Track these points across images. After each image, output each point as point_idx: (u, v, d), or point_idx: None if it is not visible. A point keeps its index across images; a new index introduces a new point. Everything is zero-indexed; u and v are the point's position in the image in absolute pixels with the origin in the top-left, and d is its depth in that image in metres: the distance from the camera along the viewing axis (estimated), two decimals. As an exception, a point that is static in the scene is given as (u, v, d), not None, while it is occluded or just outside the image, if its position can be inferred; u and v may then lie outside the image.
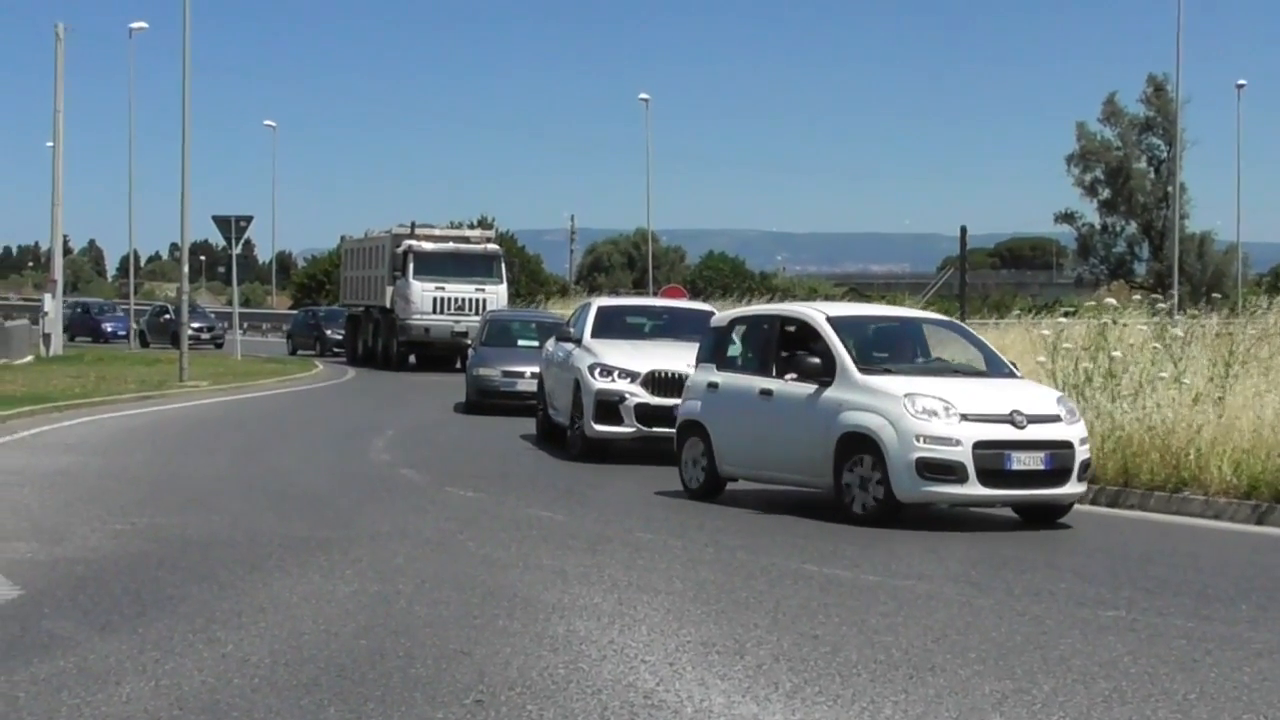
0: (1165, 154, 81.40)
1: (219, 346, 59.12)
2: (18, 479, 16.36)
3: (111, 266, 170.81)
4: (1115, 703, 7.00)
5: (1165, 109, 78.20)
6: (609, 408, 19.14)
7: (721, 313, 18.41)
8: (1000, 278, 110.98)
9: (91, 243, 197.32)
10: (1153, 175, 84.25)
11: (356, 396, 34.76)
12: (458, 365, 40.75)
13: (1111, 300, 20.72)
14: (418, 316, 44.73)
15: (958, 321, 18.71)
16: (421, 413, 28.53)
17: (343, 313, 55.48)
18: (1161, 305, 23.02)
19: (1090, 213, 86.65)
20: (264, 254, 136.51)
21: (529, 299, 70.75)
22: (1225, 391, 16.68)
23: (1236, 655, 8.12)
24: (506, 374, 28.46)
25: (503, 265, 46.93)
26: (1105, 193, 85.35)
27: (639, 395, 19.08)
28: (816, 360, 14.35)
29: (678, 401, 18.18)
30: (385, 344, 46.87)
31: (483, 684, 7.23)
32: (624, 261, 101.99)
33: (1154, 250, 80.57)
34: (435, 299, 44.25)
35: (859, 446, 13.63)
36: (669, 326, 21.97)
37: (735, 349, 16.43)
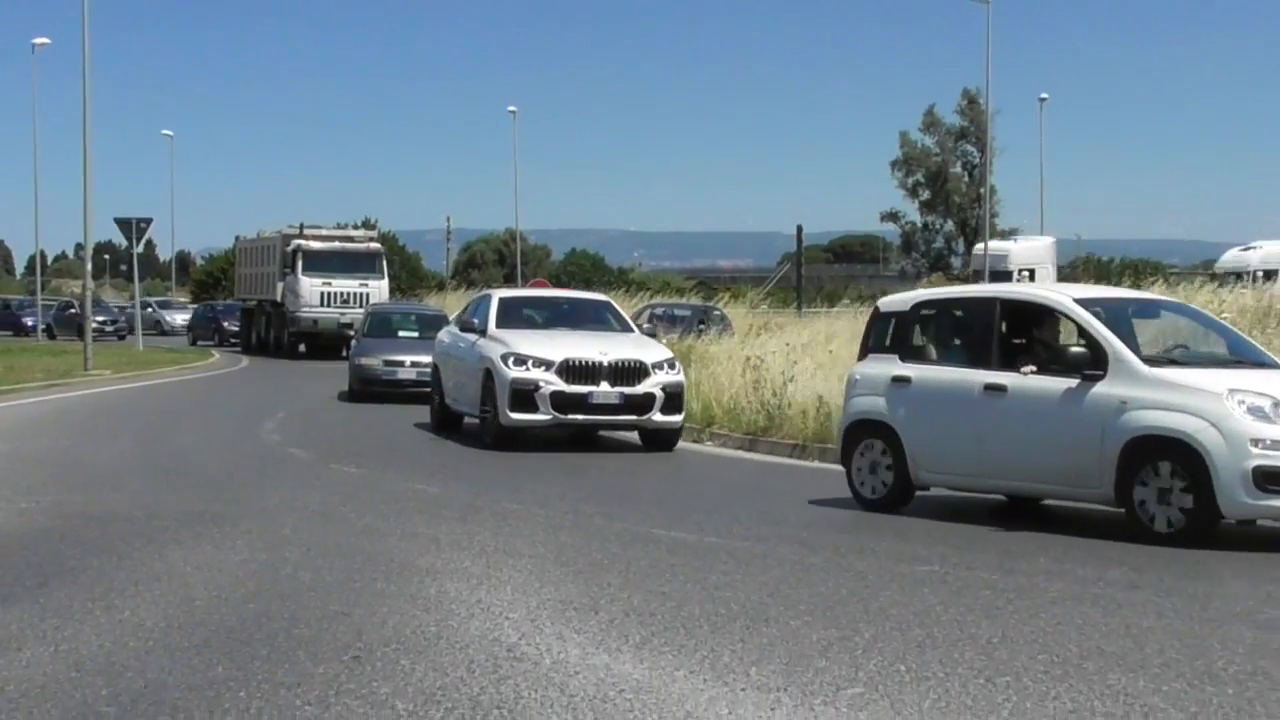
0: (978, 160, 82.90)
1: (121, 339, 57.98)
2: (-71, 462, 15.92)
3: (19, 265, 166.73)
4: (927, 647, 7.10)
5: (978, 119, 79.56)
6: (524, 396, 17.80)
7: (893, 296, 14.65)
8: (833, 271, 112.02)
9: (0, 243, 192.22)
10: (967, 179, 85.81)
11: (250, 383, 34.26)
12: (343, 354, 40.40)
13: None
14: (306, 309, 44.69)
15: (1190, 305, 15.00)
16: (310, 398, 28.18)
17: (238, 306, 54.94)
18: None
19: (912, 212, 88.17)
20: (164, 253, 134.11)
21: (409, 293, 70.27)
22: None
23: (1034, 603, 8.27)
24: (387, 363, 27.54)
25: (384, 262, 47.00)
26: (925, 194, 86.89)
27: (554, 383, 17.79)
28: (1082, 350, 11.32)
29: (592, 389, 17.68)
30: (277, 335, 46.75)
31: (360, 641, 7.17)
32: (495, 258, 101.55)
33: (968, 245, 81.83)
34: (322, 293, 44.38)
35: (1158, 452, 10.70)
36: (568, 316, 20.77)
37: (921, 338, 13.05)
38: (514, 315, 20.09)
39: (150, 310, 67.10)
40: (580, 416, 17.93)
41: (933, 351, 12.77)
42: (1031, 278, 51.65)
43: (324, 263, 45.01)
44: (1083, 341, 11.47)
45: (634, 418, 18.10)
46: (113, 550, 9.99)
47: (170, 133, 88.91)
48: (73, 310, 58.35)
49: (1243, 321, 19.42)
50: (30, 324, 65.38)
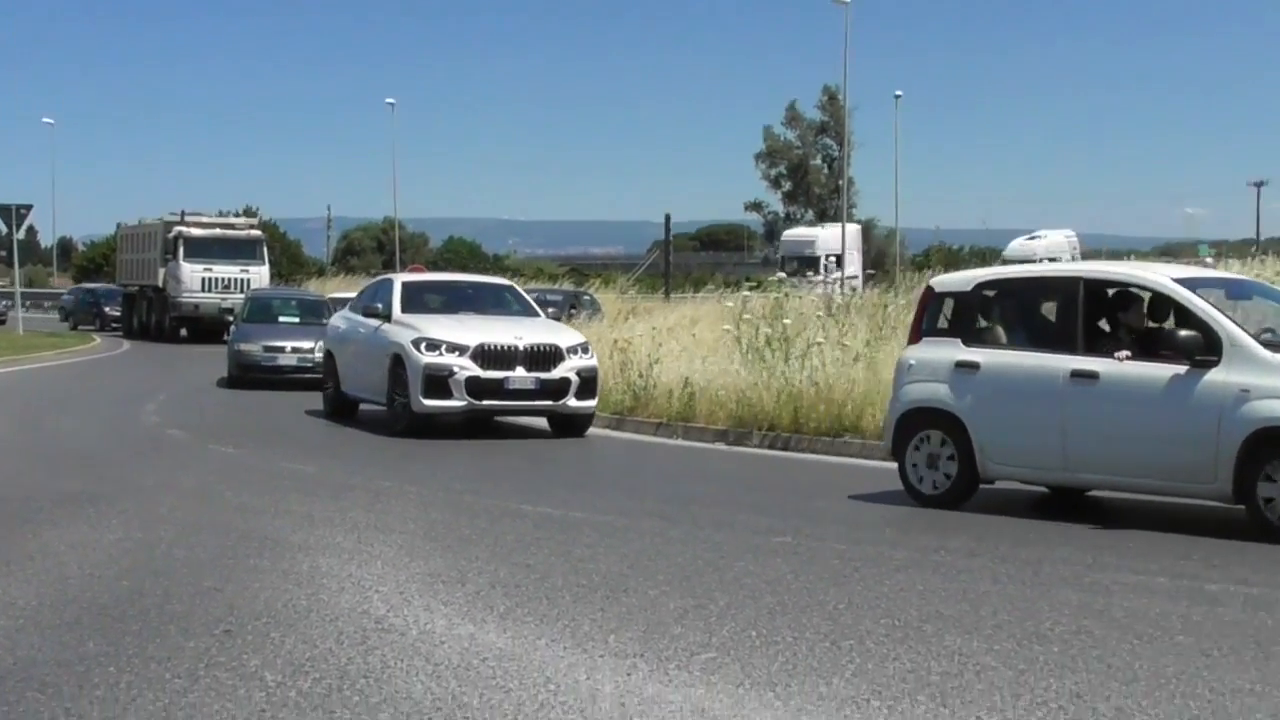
0: (837, 153, 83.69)
1: (2, 323, 56.52)
2: None
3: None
4: (778, 613, 7.19)
5: (837, 115, 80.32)
6: (438, 382, 16.68)
7: (948, 275, 13.21)
8: (700, 259, 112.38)
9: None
10: (826, 171, 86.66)
11: (131, 367, 33.60)
12: (224, 338, 39.80)
13: (782, 275, 21.25)
14: (188, 295, 44.19)
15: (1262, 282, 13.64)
16: (191, 381, 27.70)
17: (120, 291, 53.94)
18: (830, 280, 23.67)
19: (775, 203, 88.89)
20: (46, 239, 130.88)
21: (289, 279, 69.39)
22: (878, 352, 17.24)
23: (879, 571, 8.40)
24: (268, 349, 26.08)
25: (265, 249, 46.59)
26: (787, 186, 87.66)
27: (469, 369, 16.68)
28: (1193, 334, 10.02)
29: (508, 374, 16.72)
30: (159, 319, 46.10)
31: (232, 616, 7.08)
32: (374, 246, 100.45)
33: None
34: (204, 279, 43.91)
35: None
36: (472, 300, 19.36)
37: (986, 320, 11.61)
38: (418, 300, 18.84)
39: None
40: (496, 402, 16.97)
41: (1001, 334, 11.39)
42: (838, 264, 52.51)
43: (205, 249, 44.50)
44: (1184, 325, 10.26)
45: (549, 403, 17.14)
46: (-13, 530, 9.75)
47: (51, 120, 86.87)
48: (-48, 296, 56.85)
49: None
50: None
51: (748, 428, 16.57)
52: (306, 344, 25.83)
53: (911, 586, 7.91)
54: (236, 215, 60.88)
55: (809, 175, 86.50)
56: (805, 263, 54.84)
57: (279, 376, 25.48)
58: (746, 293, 22.37)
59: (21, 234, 44.63)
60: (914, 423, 11.49)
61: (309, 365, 25.16)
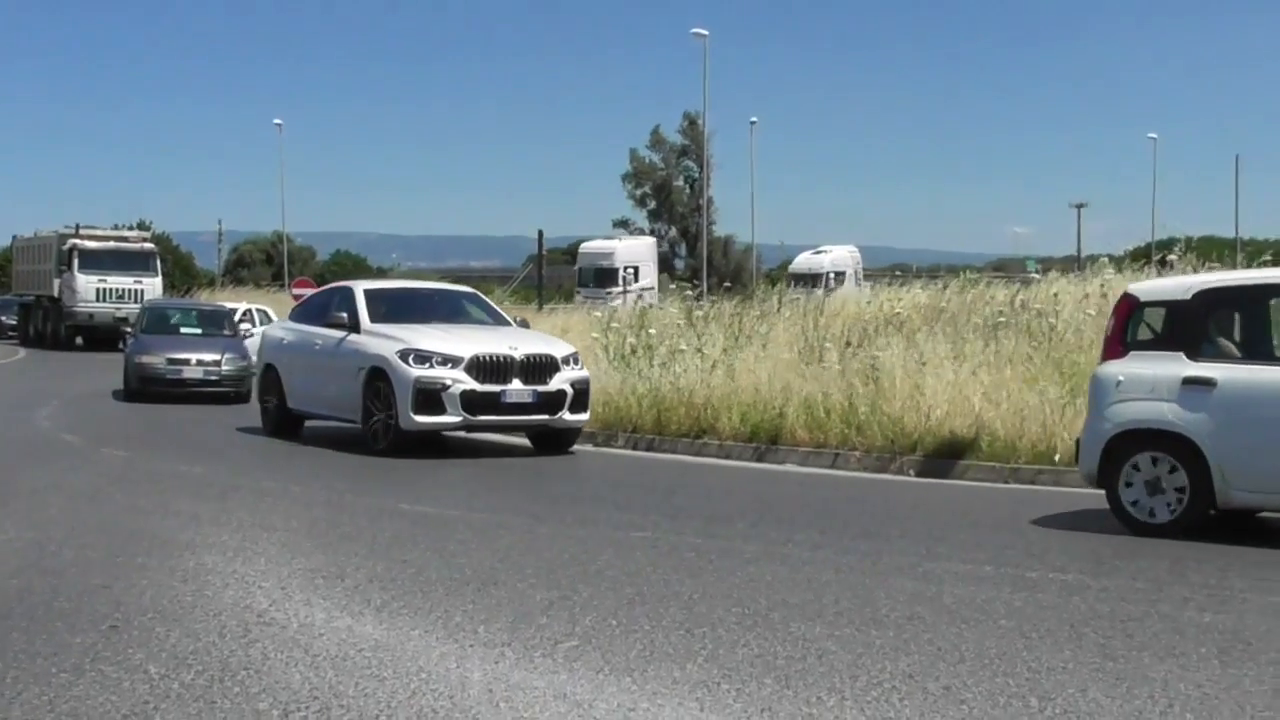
0: (697, 174, 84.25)
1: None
2: None
3: None
4: (637, 603, 7.20)
5: (697, 139, 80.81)
6: (430, 397, 14.66)
7: (1153, 283, 11.48)
8: (571, 271, 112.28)
9: None
10: (688, 191, 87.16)
11: (26, 373, 32.69)
12: (120, 347, 38.90)
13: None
14: (83, 305, 43.37)
15: None
16: (85, 387, 27.00)
17: (15, 301, 52.56)
18: (690, 293, 23.84)
19: (641, 220, 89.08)
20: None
21: (180, 290, 68.07)
22: (734, 359, 17.37)
23: (732, 563, 8.45)
24: (171, 361, 23.54)
25: (158, 261, 46.00)
26: (652, 204, 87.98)
27: (464, 382, 14.71)
28: None
29: (505, 387, 14.87)
30: (54, 328, 45.06)
31: (119, 612, 6.91)
32: (264, 258, 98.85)
33: (690, 249, 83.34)
34: (98, 289, 43.15)
35: None
36: (439, 309, 17.20)
37: (1216, 332, 9.92)
38: (380, 309, 16.47)
39: None
40: (492, 417, 15.07)
41: (1232, 347, 9.82)
42: (635, 276, 52.10)
43: (99, 261, 43.72)
44: None
45: (545, 417, 15.27)
46: (-121, 532, 9.41)
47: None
48: None
49: (917, 318, 20.21)
50: None
51: (614, 430, 16.60)
52: (211, 356, 23.87)
53: (761, 577, 7.97)
54: (130, 229, 59.64)
55: (672, 195, 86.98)
56: (603, 275, 53.18)
57: (183, 390, 23.36)
58: (616, 303, 22.42)
59: (-83, 245, 43.27)
60: (1128, 446, 9.81)
61: (215, 378, 23.53)
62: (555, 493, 12.17)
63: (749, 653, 6.18)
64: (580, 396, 15.45)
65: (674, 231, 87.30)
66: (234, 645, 6.26)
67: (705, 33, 53.63)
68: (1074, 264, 48.54)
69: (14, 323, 51.78)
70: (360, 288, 17.13)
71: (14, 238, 57.30)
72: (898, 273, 51.13)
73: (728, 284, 37.35)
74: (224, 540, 9.12)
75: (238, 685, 5.60)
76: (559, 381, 15.24)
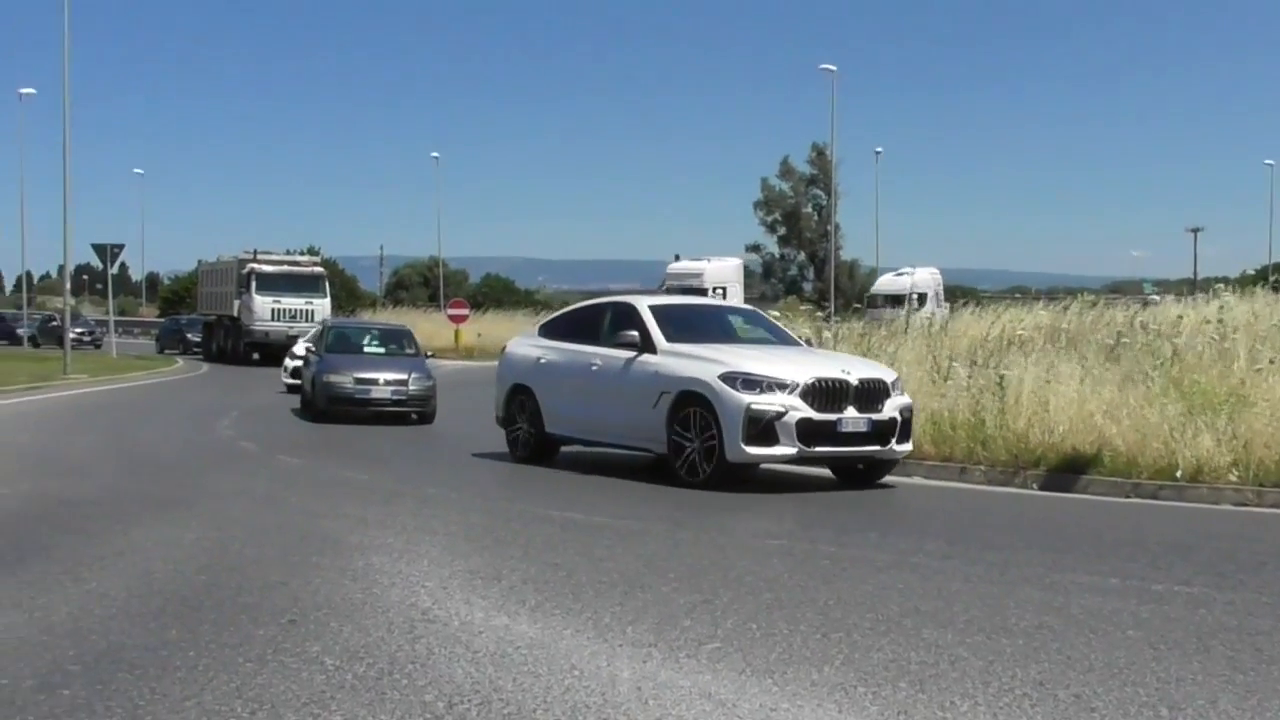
0: (825, 202, 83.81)
1: (97, 347, 56.69)
2: (-76, 454, 15.46)
3: (9, 283, 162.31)
4: (775, 608, 7.13)
5: (825, 169, 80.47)
6: (763, 425, 12.48)
7: None
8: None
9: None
10: (816, 218, 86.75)
11: (208, 386, 33.68)
12: (285, 362, 39.81)
13: (775, 312, 21.24)
14: (259, 324, 44.57)
15: None
16: (261, 400, 27.76)
17: (200, 320, 54.28)
18: (820, 315, 23.71)
19: (771, 245, 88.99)
20: (136, 273, 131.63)
21: (347, 311, 69.61)
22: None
23: (864, 571, 8.34)
24: (360, 381, 22.06)
25: (326, 283, 46.98)
26: (782, 230, 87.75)
27: (800, 409, 12.57)
28: None
29: (840, 415, 12.73)
30: (234, 345, 46.47)
31: (296, 607, 7.05)
32: (421, 281, 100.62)
33: (817, 273, 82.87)
34: (273, 309, 44.34)
35: None
36: (719, 325, 14.93)
37: None
38: (670, 328, 14.15)
39: None
40: (827, 449, 12.85)
41: None
42: (724, 296, 49.09)
43: (274, 284, 44.90)
44: None
45: (876, 447, 13.11)
46: (82, 530, 9.75)
47: (141, 171, 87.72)
48: (55, 323, 57.17)
49: (1039, 338, 19.80)
50: (22, 334, 64.11)
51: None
52: (398, 375, 22.37)
53: (892, 585, 7.85)
54: (302, 254, 61.22)
55: (801, 221, 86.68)
56: (691, 295, 51.61)
57: (370, 410, 22.02)
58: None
59: (115, 269, 44.87)
60: None
61: (402, 398, 22.12)
62: (694, 501, 12.14)
63: (883, 657, 6.09)
64: (906, 425, 13.34)
65: (803, 256, 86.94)
66: (401, 641, 6.34)
67: (833, 68, 53.46)
68: (1189, 287, 47.21)
69: (198, 340, 53.47)
70: (644, 303, 14.72)
71: (199, 262, 59.29)
72: (1017, 295, 50.16)
73: (856, 304, 37.04)
74: (389, 542, 9.26)
75: (406, 678, 5.67)
76: (890, 408, 13.13)
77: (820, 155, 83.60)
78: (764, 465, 13.41)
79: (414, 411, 22.22)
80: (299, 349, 29.07)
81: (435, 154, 75.23)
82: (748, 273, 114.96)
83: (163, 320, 71.67)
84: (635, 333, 14.05)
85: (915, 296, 54.58)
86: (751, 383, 12.67)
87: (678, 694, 5.46)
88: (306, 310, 44.03)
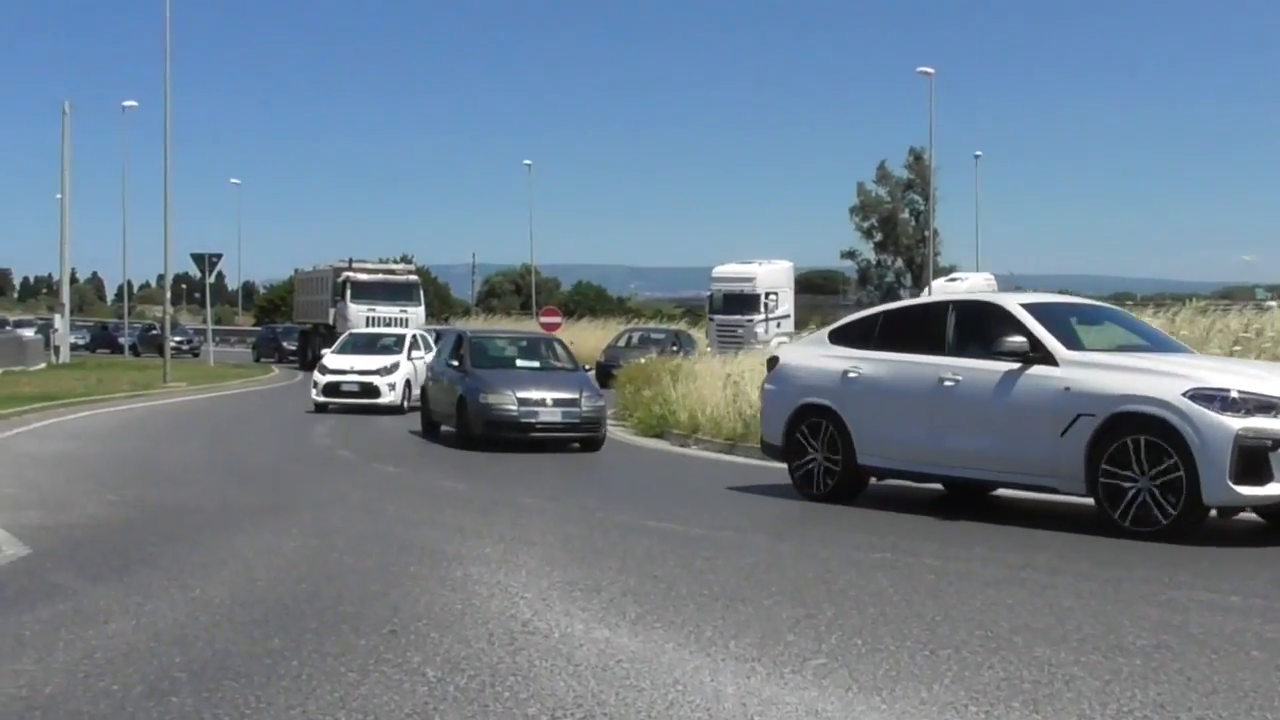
0: (923, 207, 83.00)
1: (196, 356, 57.90)
2: (30, 460, 15.89)
3: (110, 292, 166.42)
4: (880, 623, 7.05)
5: (922, 173, 79.72)
6: (1258, 458, 9.87)
7: None
8: (800, 301, 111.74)
9: (94, 273, 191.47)
10: (913, 223, 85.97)
11: (304, 395, 34.17)
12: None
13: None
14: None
15: None
16: (357, 407, 28.09)
17: (296, 329, 55.13)
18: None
19: (867, 251, 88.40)
20: (233, 282, 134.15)
21: (440, 318, 70.34)
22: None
23: (971, 585, 8.21)
24: (525, 403, 18.57)
25: (420, 291, 47.34)
26: (878, 236, 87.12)
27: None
28: None
29: None
30: (329, 353, 46.90)
31: (396, 617, 7.11)
32: (512, 289, 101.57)
33: (914, 280, 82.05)
34: (368, 317, 44.69)
35: None
36: (1114, 330, 12.53)
37: None
38: (1056, 331, 11.55)
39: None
40: None
41: None
42: (776, 302, 47.92)
43: (369, 292, 45.37)
44: None
45: None
46: (186, 537, 9.94)
47: (238, 181, 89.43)
48: (154, 331, 58.39)
49: None
50: (124, 343, 65.72)
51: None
52: (567, 394, 18.90)
53: (1001, 600, 7.72)
54: (396, 262, 61.97)
55: (898, 226, 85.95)
56: (742, 301, 47.34)
57: (537, 435, 18.62)
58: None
59: (212, 279, 45.78)
60: None
61: (575, 420, 18.73)
62: (794, 513, 12.06)
63: (995, 675, 5.98)
64: None
65: (899, 262, 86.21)
66: (502, 653, 6.36)
67: (931, 70, 52.87)
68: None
69: (294, 348, 54.31)
70: (1014, 301, 12.05)
71: (295, 271, 60.28)
72: (1127, 301, 49.29)
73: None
74: (487, 552, 9.31)
75: (507, 690, 5.68)
76: None
77: (918, 160, 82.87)
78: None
79: (582, 437, 18.83)
80: (332, 360, 27.96)
81: (527, 161, 75.58)
82: (843, 279, 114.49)
83: (259, 329, 73.02)
84: (1020, 339, 11.34)
85: None
86: (1234, 402, 10.03)
87: (784, 710, 5.41)
88: (401, 318, 44.46)
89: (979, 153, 71.27)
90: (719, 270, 49.95)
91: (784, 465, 13.42)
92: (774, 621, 7.07)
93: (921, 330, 12.45)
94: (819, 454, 12.83)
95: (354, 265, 46.68)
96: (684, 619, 7.12)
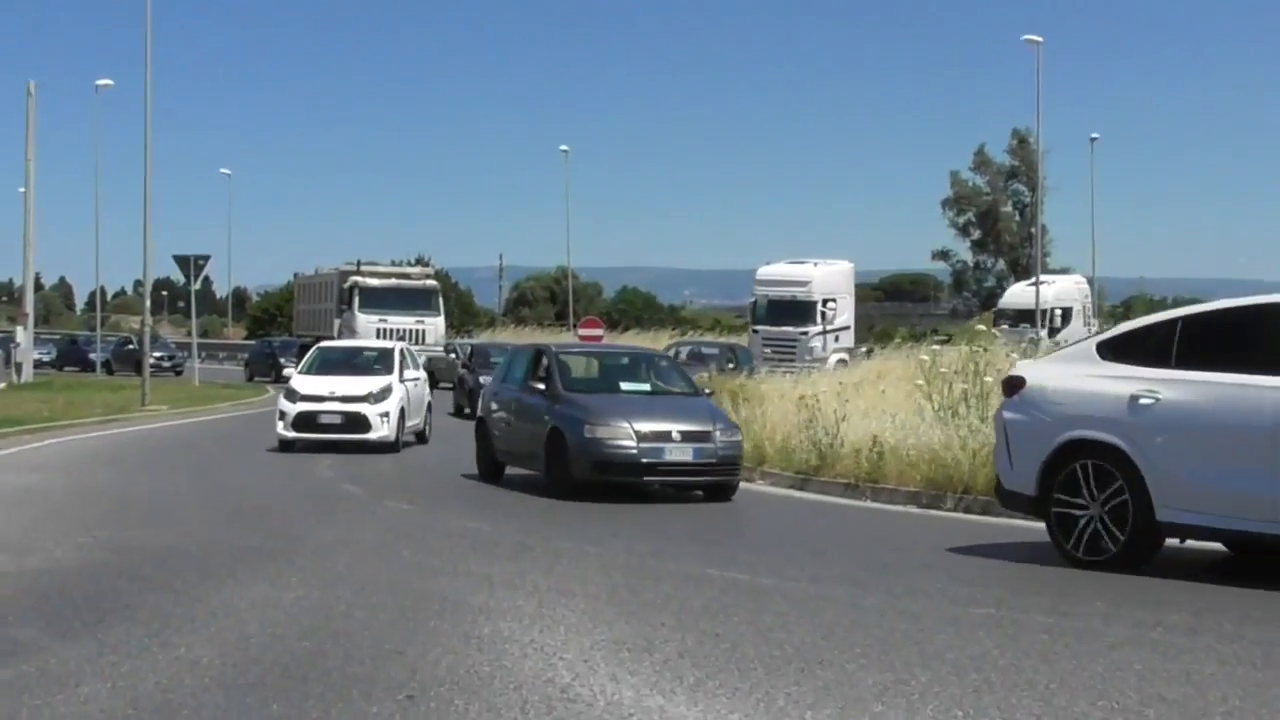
0: (1028, 199, 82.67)
1: (178, 374, 58.42)
2: (-10, 496, 16.06)
3: (80, 300, 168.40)
4: (984, 692, 6.99)
5: (1028, 159, 79.50)
6: None
7: None
8: (884, 309, 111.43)
9: (62, 279, 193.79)
10: (1018, 218, 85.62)
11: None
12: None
13: (983, 327, 20.74)
14: (363, 346, 45.06)
15: None
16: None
17: (295, 343, 55.44)
18: (1031, 335, 23.31)
19: (963, 251, 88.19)
20: (221, 289, 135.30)
21: (461, 330, 70.59)
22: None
23: (1092, 648, 8.14)
24: (647, 438, 16.65)
25: (440, 299, 47.28)
26: (976, 233, 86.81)
27: None
28: None
29: None
30: (333, 371, 46.92)
31: (414, 681, 7.13)
32: (546, 296, 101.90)
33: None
34: (379, 329, 44.55)
35: None
36: None
37: None
38: None
39: None
40: None
41: None
42: (834, 310, 46.01)
43: (380, 299, 45.45)
44: None
45: None
46: (169, 586, 10.02)
47: (228, 171, 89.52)
48: (131, 346, 58.98)
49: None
50: (95, 359, 66.33)
51: (942, 490, 16.29)
52: (697, 425, 17.11)
53: (1128, 666, 7.63)
54: (410, 264, 62.32)
55: (999, 222, 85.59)
56: (794, 309, 46.04)
57: (663, 479, 17.04)
58: (936, 345, 22.10)
59: (198, 285, 46.21)
60: None
61: (711, 461, 16.94)
62: (879, 560, 12.01)
63: (1122, 756, 5.91)
64: None
65: (1001, 264, 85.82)
66: (538, 723, 6.36)
67: (1039, 39, 52.65)
68: None
69: (293, 365, 54.67)
70: None
71: (294, 276, 60.68)
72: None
73: (1095, 322, 36.23)
74: (519, 605, 9.32)
75: (545, 768, 5.68)
76: None
77: (1022, 143, 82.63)
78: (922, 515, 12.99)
79: (716, 483, 17.17)
80: (303, 383, 25.14)
81: (564, 147, 75.60)
82: (934, 283, 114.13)
83: (252, 343, 73.65)
84: None
85: (1057, 312, 51.88)
86: None
87: (871, 795, 5.37)
88: (417, 330, 44.66)
89: (1096, 135, 70.60)
90: (765, 271, 48.28)
91: (1018, 517, 12.91)
92: (858, 689, 7.03)
93: (1249, 340, 11.05)
94: (1095, 506, 11.40)
95: (363, 269, 46.98)
96: (751, 685, 7.09)
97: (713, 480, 17.03)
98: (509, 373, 20.09)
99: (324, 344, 30.96)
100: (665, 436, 16.74)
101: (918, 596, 9.92)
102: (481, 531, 13.59)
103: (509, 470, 19.18)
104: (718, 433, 17.05)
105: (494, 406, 19.70)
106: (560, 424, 17.22)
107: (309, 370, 26.21)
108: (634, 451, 16.58)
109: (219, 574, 10.57)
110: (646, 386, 18.73)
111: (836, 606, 9.45)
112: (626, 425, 16.73)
